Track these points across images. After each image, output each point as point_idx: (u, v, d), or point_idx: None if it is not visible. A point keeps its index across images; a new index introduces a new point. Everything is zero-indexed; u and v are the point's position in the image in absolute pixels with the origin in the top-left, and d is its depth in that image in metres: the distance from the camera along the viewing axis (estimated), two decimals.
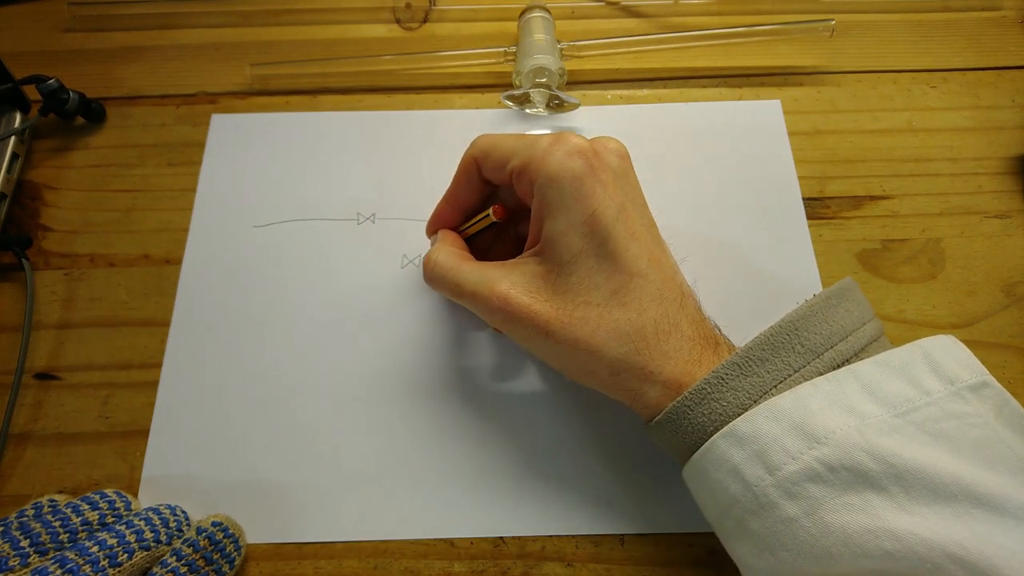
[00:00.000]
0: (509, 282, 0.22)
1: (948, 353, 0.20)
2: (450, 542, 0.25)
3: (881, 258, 0.30)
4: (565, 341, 0.21)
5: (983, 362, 0.28)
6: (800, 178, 0.31)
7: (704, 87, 0.34)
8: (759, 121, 0.33)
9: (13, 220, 0.31)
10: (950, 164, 0.32)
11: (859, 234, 0.30)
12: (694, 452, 0.20)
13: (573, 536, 0.25)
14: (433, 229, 0.27)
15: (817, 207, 0.31)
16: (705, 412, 0.20)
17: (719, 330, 0.22)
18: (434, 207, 0.31)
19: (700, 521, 0.25)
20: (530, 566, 0.24)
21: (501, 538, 0.25)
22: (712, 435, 0.20)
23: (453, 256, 0.24)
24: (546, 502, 0.25)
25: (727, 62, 0.35)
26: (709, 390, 0.20)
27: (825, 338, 0.20)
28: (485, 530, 0.25)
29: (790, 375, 0.20)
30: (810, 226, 0.30)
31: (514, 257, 0.24)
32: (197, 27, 0.36)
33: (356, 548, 0.25)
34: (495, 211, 0.24)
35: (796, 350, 0.20)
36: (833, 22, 0.33)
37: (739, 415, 0.19)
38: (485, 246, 0.27)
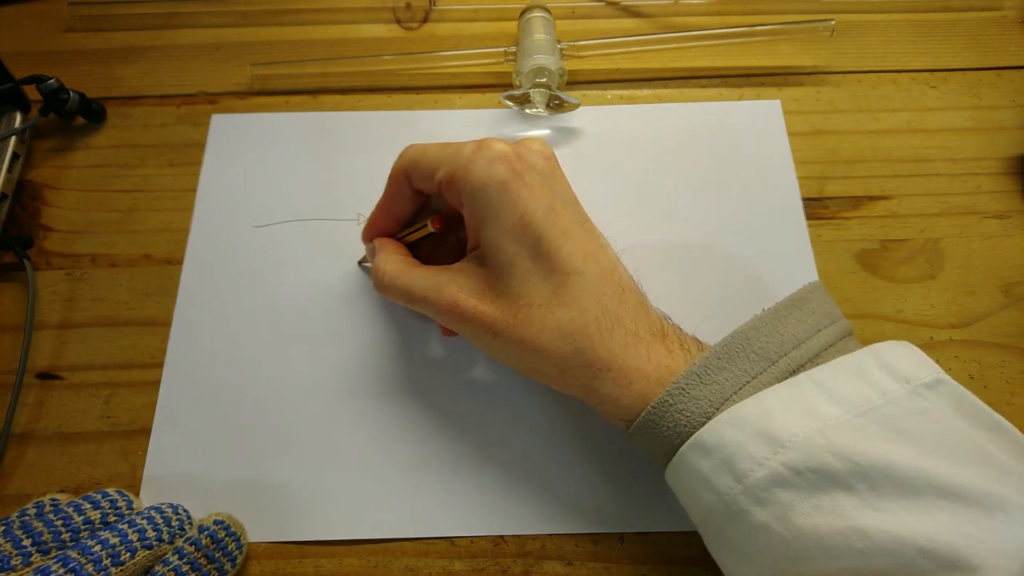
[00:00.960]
0: (457, 285, 0.23)
1: (900, 355, 0.20)
2: (450, 541, 0.25)
3: (880, 258, 0.30)
4: (512, 341, 0.22)
5: (982, 362, 0.28)
6: (799, 178, 0.31)
7: (704, 87, 0.34)
8: (759, 121, 0.33)
9: (14, 220, 0.31)
10: (949, 164, 0.32)
11: (858, 234, 0.30)
12: (665, 463, 0.21)
13: (572, 535, 0.25)
14: (369, 237, 0.27)
15: (816, 207, 0.31)
16: (670, 424, 0.20)
17: (667, 319, 0.23)
18: None
19: None
20: (530, 565, 0.24)
21: (501, 537, 0.25)
22: (680, 446, 0.20)
23: (400, 263, 0.24)
24: (546, 501, 0.25)
25: (727, 62, 0.35)
26: (672, 401, 0.20)
27: (778, 346, 0.21)
28: (485, 529, 0.25)
29: (748, 381, 0.20)
30: (809, 226, 0.30)
31: (456, 261, 0.24)
32: (197, 27, 0.36)
33: (357, 547, 0.25)
34: (433, 222, 0.25)
35: (750, 358, 0.20)
36: (833, 22, 0.33)
37: (704, 424, 0.20)
38: (425, 253, 0.27)
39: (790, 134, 0.33)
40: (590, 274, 0.21)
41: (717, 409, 0.20)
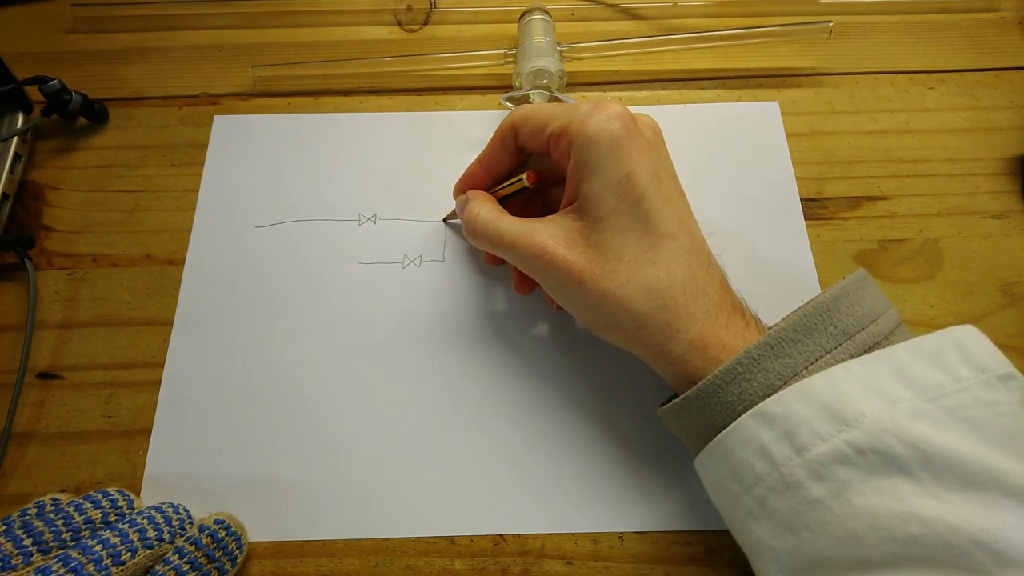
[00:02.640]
0: (547, 233, 0.23)
1: (977, 343, 0.20)
2: (450, 540, 0.25)
3: (879, 258, 0.30)
4: (595, 291, 0.22)
5: None
6: (798, 179, 0.32)
7: (703, 89, 0.34)
8: (757, 122, 0.33)
9: (16, 220, 0.31)
10: (948, 165, 0.32)
11: (857, 234, 0.31)
12: (715, 432, 0.21)
13: (572, 534, 0.25)
14: (461, 189, 0.28)
15: (815, 208, 0.31)
16: (735, 392, 0.20)
17: (744, 301, 0.23)
18: (437, 207, 0.32)
19: (699, 519, 0.25)
20: (530, 564, 0.24)
21: (501, 536, 0.25)
22: (740, 415, 0.20)
23: (493, 210, 0.26)
24: (546, 500, 0.25)
25: (726, 64, 0.35)
26: (740, 370, 0.20)
27: (857, 319, 0.21)
28: (485, 528, 0.25)
29: (821, 356, 0.20)
30: (808, 226, 0.31)
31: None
32: (199, 28, 0.36)
33: (357, 546, 0.25)
34: (528, 176, 0.25)
35: (829, 331, 0.20)
36: (831, 23, 0.34)
37: (768, 396, 0.20)
38: (512, 213, 0.27)
39: (788, 135, 0.33)
40: (683, 241, 0.22)
41: (785, 383, 0.20)
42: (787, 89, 0.34)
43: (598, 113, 0.22)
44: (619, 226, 0.22)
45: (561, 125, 0.23)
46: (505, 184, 0.27)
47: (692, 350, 0.21)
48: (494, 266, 0.29)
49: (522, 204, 0.28)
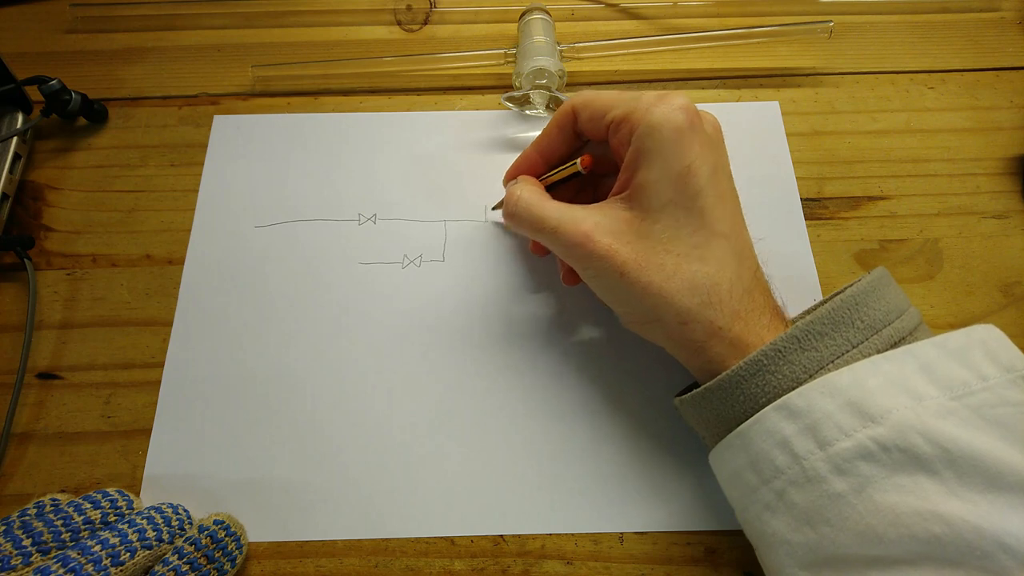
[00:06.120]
0: (593, 221, 0.23)
1: (1001, 343, 0.20)
2: (450, 540, 0.25)
3: (879, 258, 0.30)
4: (639, 283, 0.22)
5: None
6: (798, 179, 0.32)
7: (703, 88, 0.34)
8: (758, 122, 0.33)
9: (15, 220, 0.31)
10: (948, 165, 0.32)
11: (857, 234, 0.31)
12: (736, 424, 0.21)
13: (573, 534, 0.25)
14: (513, 175, 0.28)
15: (815, 207, 0.31)
16: (759, 384, 0.20)
17: (786, 310, 0.23)
18: (437, 207, 0.32)
19: (699, 519, 0.25)
20: (530, 564, 0.24)
21: (501, 536, 0.25)
22: (764, 406, 0.20)
23: (536, 193, 0.25)
24: (546, 500, 0.25)
25: (726, 63, 0.35)
26: (766, 362, 0.20)
27: (883, 314, 0.20)
28: (485, 528, 0.25)
29: (848, 351, 0.20)
30: (808, 226, 0.31)
31: None
32: (199, 28, 0.36)
33: (357, 546, 0.25)
34: (583, 161, 0.25)
35: (856, 325, 0.20)
36: (831, 23, 0.34)
37: (793, 388, 0.20)
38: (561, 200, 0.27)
39: (789, 135, 0.33)
40: (735, 242, 0.22)
41: (810, 376, 0.20)
42: (787, 89, 0.34)
43: (663, 103, 0.22)
44: (672, 219, 0.22)
45: (624, 111, 0.23)
46: (557, 169, 0.26)
47: (732, 349, 0.21)
48: (540, 256, 0.29)
49: (573, 193, 0.27)
